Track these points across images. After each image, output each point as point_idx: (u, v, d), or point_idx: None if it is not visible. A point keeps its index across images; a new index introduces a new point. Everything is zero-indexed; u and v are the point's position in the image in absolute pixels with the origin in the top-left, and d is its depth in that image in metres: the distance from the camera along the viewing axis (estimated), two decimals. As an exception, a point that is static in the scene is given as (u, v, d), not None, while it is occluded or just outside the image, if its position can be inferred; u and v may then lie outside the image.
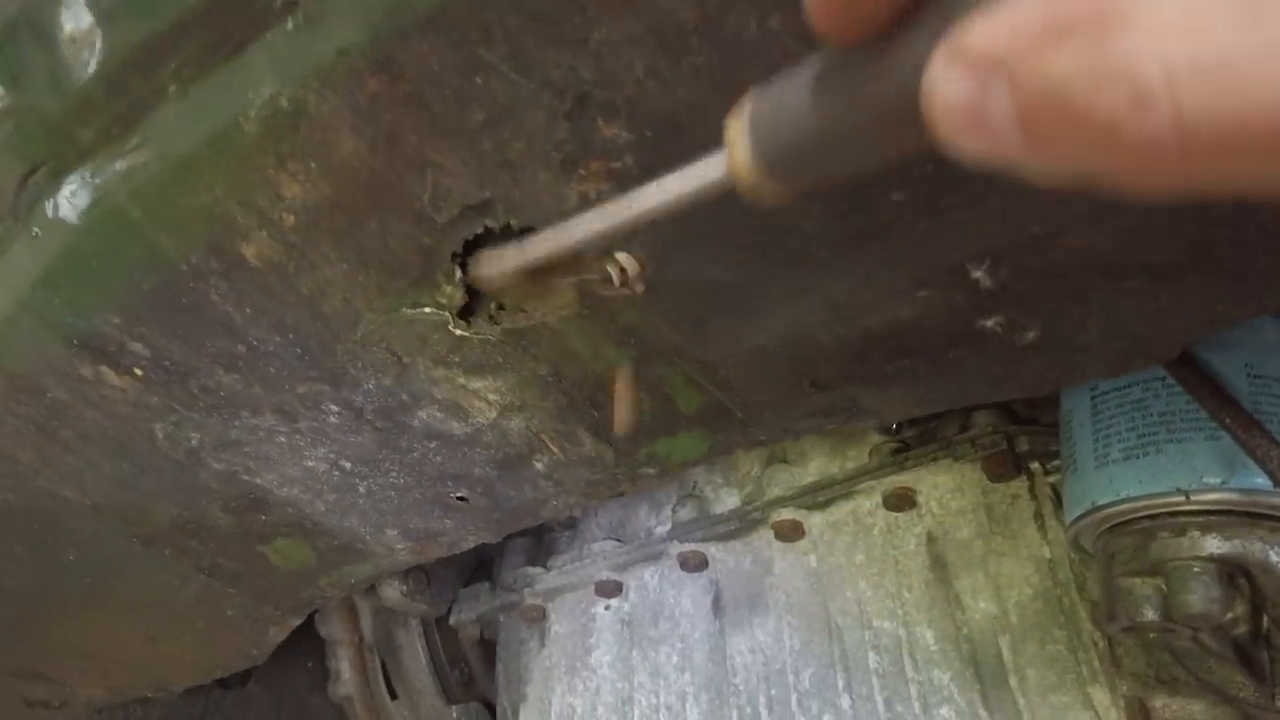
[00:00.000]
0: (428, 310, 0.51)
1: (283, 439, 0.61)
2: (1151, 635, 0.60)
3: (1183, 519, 0.55)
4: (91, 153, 0.48)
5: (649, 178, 0.42)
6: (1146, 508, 0.55)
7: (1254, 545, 0.53)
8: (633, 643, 0.96)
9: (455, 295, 0.50)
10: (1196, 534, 0.54)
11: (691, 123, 0.41)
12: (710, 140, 0.41)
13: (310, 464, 0.63)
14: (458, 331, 0.51)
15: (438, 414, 0.58)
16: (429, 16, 0.39)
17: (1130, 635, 0.63)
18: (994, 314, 0.46)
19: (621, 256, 0.46)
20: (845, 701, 0.80)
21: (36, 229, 0.52)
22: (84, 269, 0.52)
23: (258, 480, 0.65)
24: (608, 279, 0.46)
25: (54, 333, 0.56)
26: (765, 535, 0.90)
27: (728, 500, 0.95)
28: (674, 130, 0.41)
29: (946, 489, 0.81)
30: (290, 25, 0.41)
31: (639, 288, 0.47)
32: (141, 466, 0.65)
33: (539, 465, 0.61)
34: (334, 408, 0.58)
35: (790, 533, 0.87)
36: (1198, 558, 0.54)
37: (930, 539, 0.81)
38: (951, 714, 0.75)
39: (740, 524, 0.91)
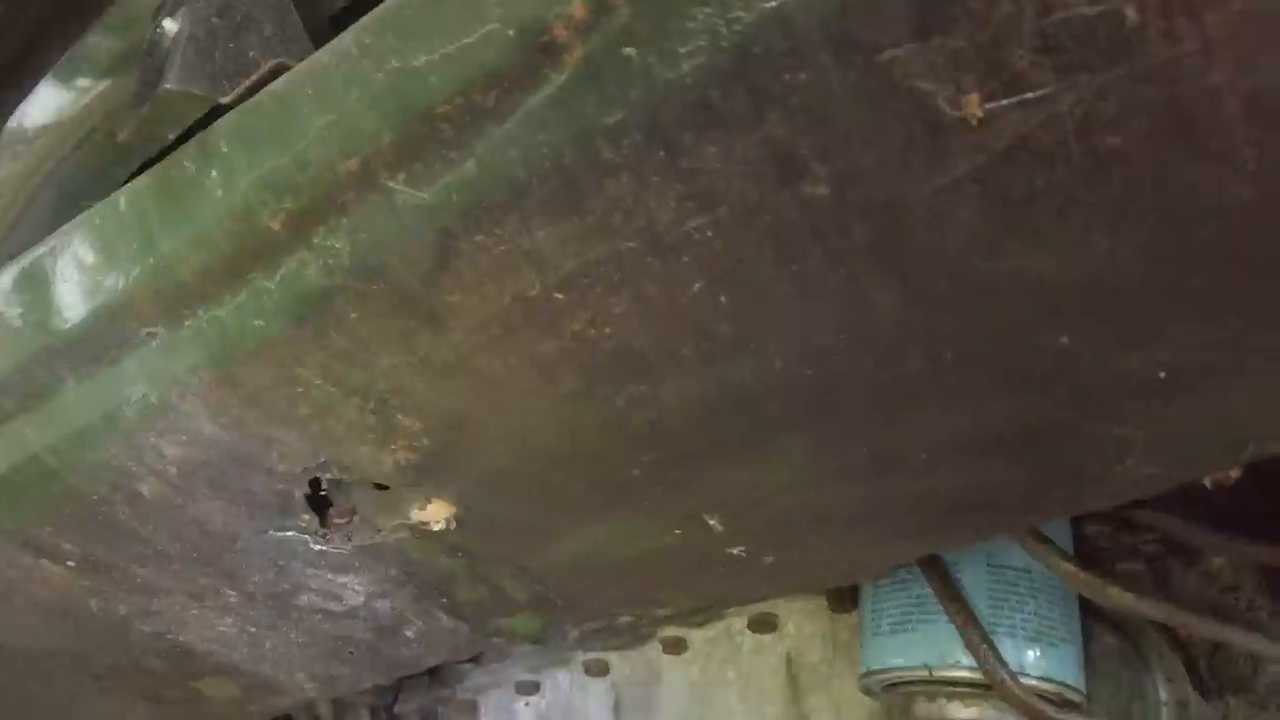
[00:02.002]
0: (290, 533, 0.62)
1: (195, 611, 0.72)
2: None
3: (933, 687, 0.65)
4: (14, 416, 0.60)
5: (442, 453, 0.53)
6: (903, 676, 0.66)
7: (989, 712, 0.63)
8: (547, 739, 1.07)
9: (312, 522, 0.61)
10: (944, 700, 0.64)
11: (466, 422, 0.51)
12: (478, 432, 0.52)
13: (221, 629, 0.74)
14: (317, 547, 0.62)
15: (316, 599, 0.69)
16: (253, 352, 0.50)
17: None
18: (736, 545, 0.57)
19: (435, 505, 0.57)
20: (714, 805, 0.91)
21: (-20, 463, 0.64)
22: (18, 498, 0.64)
23: (181, 638, 0.77)
24: (423, 522, 0.57)
25: (2, 534, 0.68)
26: (656, 647, 1.00)
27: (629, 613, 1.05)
28: (452, 423, 0.52)
29: (802, 615, 0.91)
30: (154, 345, 0.53)
31: (451, 525, 0.58)
32: (83, 627, 0.77)
33: (409, 633, 0.72)
34: (231, 593, 0.69)
35: (674, 647, 0.98)
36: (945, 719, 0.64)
37: (789, 660, 0.91)
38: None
39: (635, 636, 1.01)
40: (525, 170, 0.41)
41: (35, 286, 0.54)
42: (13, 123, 0.70)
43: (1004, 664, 0.61)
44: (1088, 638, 0.71)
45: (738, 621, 0.95)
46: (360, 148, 0.43)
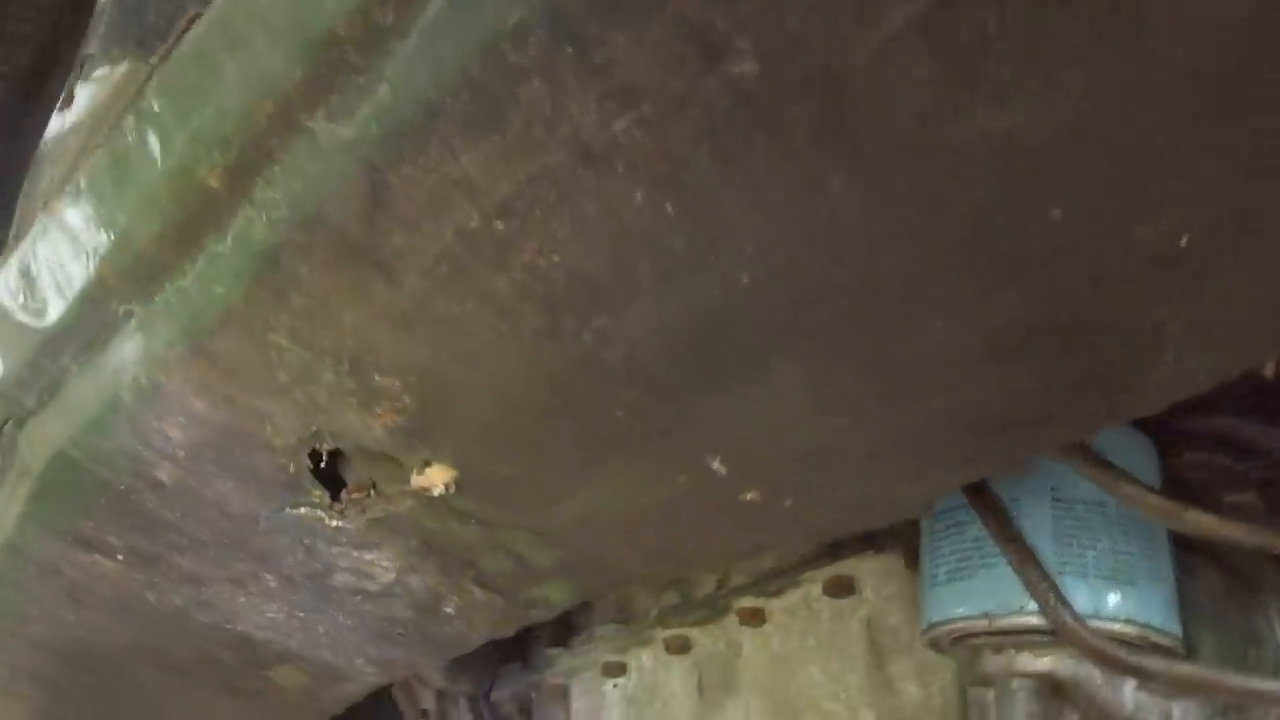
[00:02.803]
0: (304, 510, 0.61)
1: (242, 599, 0.73)
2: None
3: (998, 638, 0.58)
4: (36, 411, 0.61)
5: (427, 412, 0.51)
6: (964, 628, 0.59)
7: (1064, 662, 0.56)
8: (636, 719, 1.04)
9: (323, 497, 0.60)
10: (1012, 652, 0.58)
11: (442, 377, 0.49)
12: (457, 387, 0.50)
13: (271, 615, 0.75)
14: (333, 523, 0.61)
15: (350, 578, 0.68)
16: (220, 319, 0.49)
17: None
18: (748, 490, 0.52)
19: (433, 470, 0.55)
20: (801, 782, 0.86)
21: (20, 463, 0.66)
22: (56, 492, 0.65)
23: (238, 628, 0.77)
24: (424, 488, 0.55)
25: (54, 533, 0.70)
26: (734, 620, 0.96)
27: (706, 585, 1.01)
28: (429, 379, 0.50)
29: (880, 575, 0.85)
30: (133, 326, 0.52)
31: (453, 489, 0.56)
32: (148, 620, 0.78)
33: (448, 609, 0.70)
34: (269, 577, 0.69)
35: (752, 618, 0.93)
36: (1013, 674, 0.57)
37: (869, 624, 0.85)
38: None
39: (712, 610, 0.97)
40: (436, 88, 0.38)
41: (28, 278, 0.55)
42: (50, 132, 0.72)
43: (1068, 606, 0.54)
44: (1189, 577, 0.63)
45: (814, 588, 0.89)
46: (275, 89, 0.41)
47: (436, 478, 0.55)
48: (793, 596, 0.92)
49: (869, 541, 0.84)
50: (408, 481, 0.56)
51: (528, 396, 0.49)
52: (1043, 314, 0.40)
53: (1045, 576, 0.54)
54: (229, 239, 0.47)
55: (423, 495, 0.57)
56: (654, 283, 0.42)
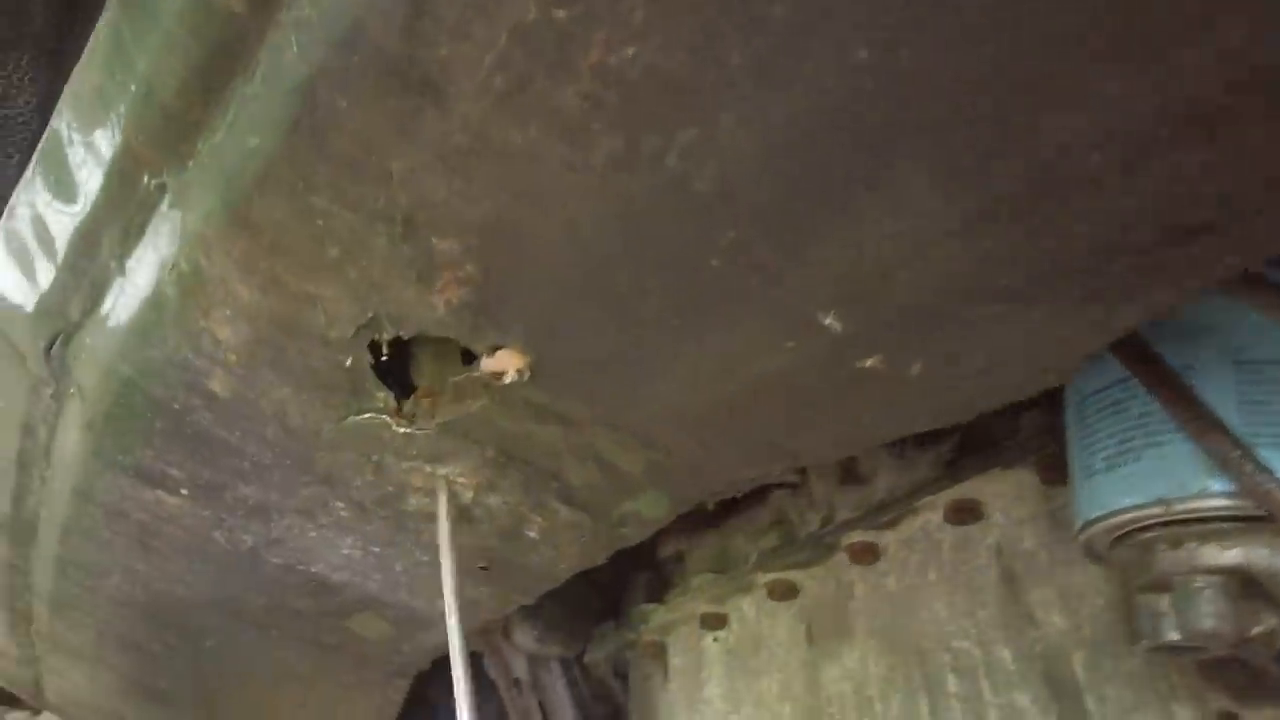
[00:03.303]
0: (369, 415, 0.55)
1: (314, 534, 0.68)
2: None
3: (1176, 529, 0.49)
4: (81, 323, 0.57)
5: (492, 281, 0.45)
6: (1133, 521, 0.50)
7: (1258, 552, 0.47)
8: (738, 674, 0.97)
9: (388, 400, 0.54)
10: (1194, 545, 0.48)
11: (507, 232, 0.43)
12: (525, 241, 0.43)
13: (346, 552, 0.69)
14: (401, 429, 0.56)
15: (424, 499, 0.62)
16: (257, 178, 0.43)
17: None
18: (869, 354, 0.45)
19: (503, 354, 0.49)
20: (930, 729, 0.77)
21: (73, 388, 0.62)
22: (112, 416, 0.61)
23: (313, 569, 0.72)
24: (496, 375, 0.49)
25: (115, 468, 0.66)
26: (843, 559, 0.87)
27: (810, 523, 0.93)
28: (492, 235, 0.43)
29: (1008, 497, 0.76)
30: (166, 204, 0.47)
31: (526, 375, 0.49)
32: (220, 565, 0.74)
33: (532, 534, 0.64)
34: (339, 504, 0.64)
35: (864, 555, 0.85)
36: (1197, 570, 0.48)
37: (999, 552, 0.76)
38: (1033, 739, 0.70)
39: (818, 549, 0.89)
40: None
41: (57, 166, 0.50)
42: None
43: (1272, 476, 0.44)
44: None
45: (933, 516, 0.80)
46: None
47: (507, 362, 0.49)
48: (909, 527, 0.83)
49: (994, 457, 0.75)
50: (476, 368, 0.49)
51: (604, 247, 0.42)
52: (1222, 75, 0.32)
53: (1237, 444, 0.45)
54: (258, 77, 0.41)
55: (495, 386, 0.51)
56: (750, 73, 0.35)
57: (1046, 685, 0.71)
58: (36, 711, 1.60)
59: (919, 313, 0.42)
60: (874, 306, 0.42)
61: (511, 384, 0.50)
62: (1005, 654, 0.74)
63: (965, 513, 0.77)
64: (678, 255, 0.41)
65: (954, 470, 0.78)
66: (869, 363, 0.45)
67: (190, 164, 0.45)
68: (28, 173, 0.54)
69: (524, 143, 0.39)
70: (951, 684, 0.76)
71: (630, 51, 0.35)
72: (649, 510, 0.60)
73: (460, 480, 0.60)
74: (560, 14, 0.35)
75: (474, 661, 1.03)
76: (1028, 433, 0.73)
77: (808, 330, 0.44)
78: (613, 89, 0.37)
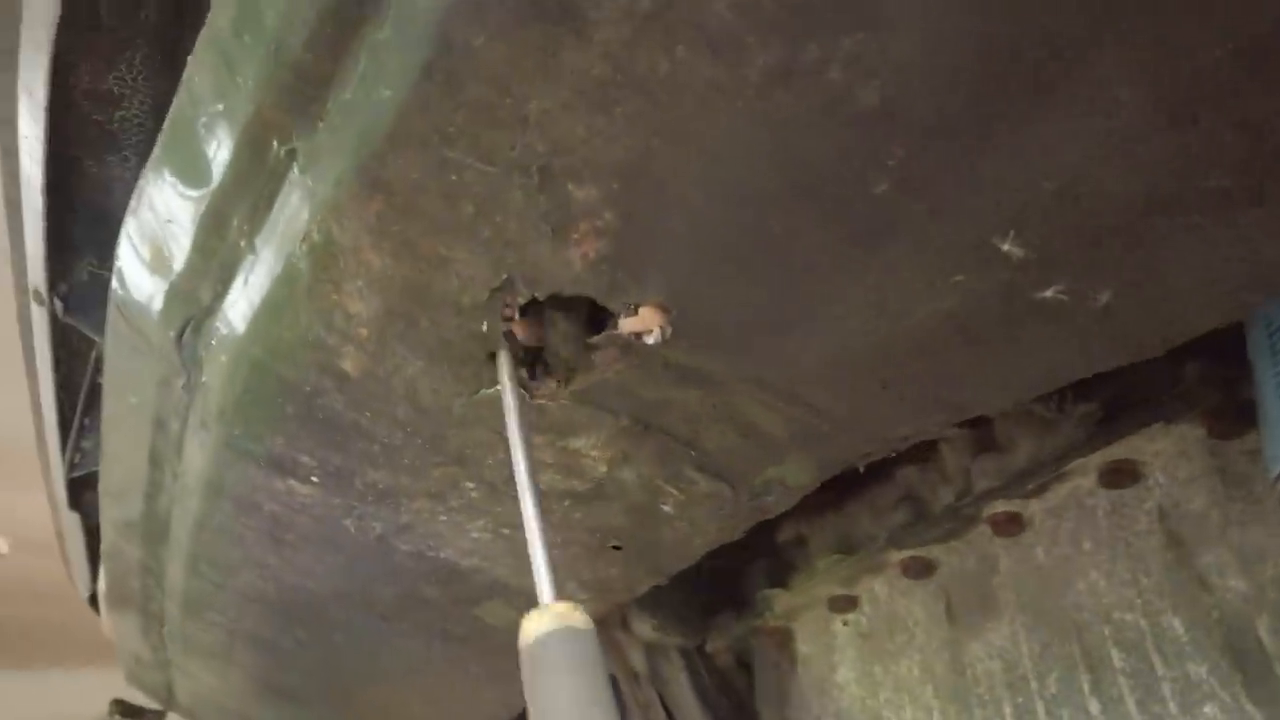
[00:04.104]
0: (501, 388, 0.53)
1: (444, 518, 0.66)
2: None
3: (1400, 466, 0.44)
4: (211, 307, 0.56)
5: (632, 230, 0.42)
6: (1346, 461, 0.45)
7: None
8: (873, 657, 0.93)
9: (522, 371, 0.52)
10: None
11: (648, 174, 0.40)
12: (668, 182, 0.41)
13: (475, 535, 0.68)
14: (535, 401, 0.54)
15: (557, 476, 0.60)
16: (390, 132, 0.42)
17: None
18: (1050, 283, 0.41)
19: (644, 310, 0.46)
20: (1094, 706, 0.72)
21: (204, 378, 0.62)
22: (242, 403, 0.61)
23: (442, 555, 0.71)
24: (636, 334, 0.47)
25: (247, 458, 0.66)
26: (984, 531, 0.83)
27: (944, 497, 0.88)
28: (634, 178, 0.41)
29: (1170, 455, 0.71)
30: (296, 171, 0.46)
31: (668, 333, 0.47)
32: (350, 556, 0.74)
33: (667, 508, 0.61)
34: (469, 485, 0.62)
35: (1008, 526, 0.80)
36: None
37: (1162, 515, 0.71)
38: (1216, 711, 0.65)
39: (956, 523, 0.84)
40: None
41: (183, 146, 0.50)
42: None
43: None
44: None
45: (1085, 480, 0.75)
46: None
47: (650, 320, 0.46)
48: (1056, 495, 0.78)
49: (1154, 412, 0.70)
50: (616, 327, 0.47)
51: (755, 181, 0.39)
52: None
53: None
54: (389, 21, 0.39)
55: (635, 347, 0.48)
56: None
57: (1226, 655, 0.65)
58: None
59: (1110, 231, 0.38)
60: (1059, 227, 0.38)
61: (653, 344, 0.48)
62: (1176, 623, 0.69)
63: (1122, 475, 0.72)
64: (836, 183, 0.38)
65: (1106, 430, 0.73)
66: (1049, 293, 0.41)
67: (320, 125, 0.44)
68: (151, 160, 0.54)
69: (669, 68, 0.37)
70: (1116, 658, 0.71)
71: (790, -49, 0.33)
72: (793, 476, 0.57)
73: (593, 454, 0.58)
74: (712, -83, 0.33)
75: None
76: (1191, 382, 0.68)
77: (980, 260, 0.40)
78: (768, -4, 0.34)
